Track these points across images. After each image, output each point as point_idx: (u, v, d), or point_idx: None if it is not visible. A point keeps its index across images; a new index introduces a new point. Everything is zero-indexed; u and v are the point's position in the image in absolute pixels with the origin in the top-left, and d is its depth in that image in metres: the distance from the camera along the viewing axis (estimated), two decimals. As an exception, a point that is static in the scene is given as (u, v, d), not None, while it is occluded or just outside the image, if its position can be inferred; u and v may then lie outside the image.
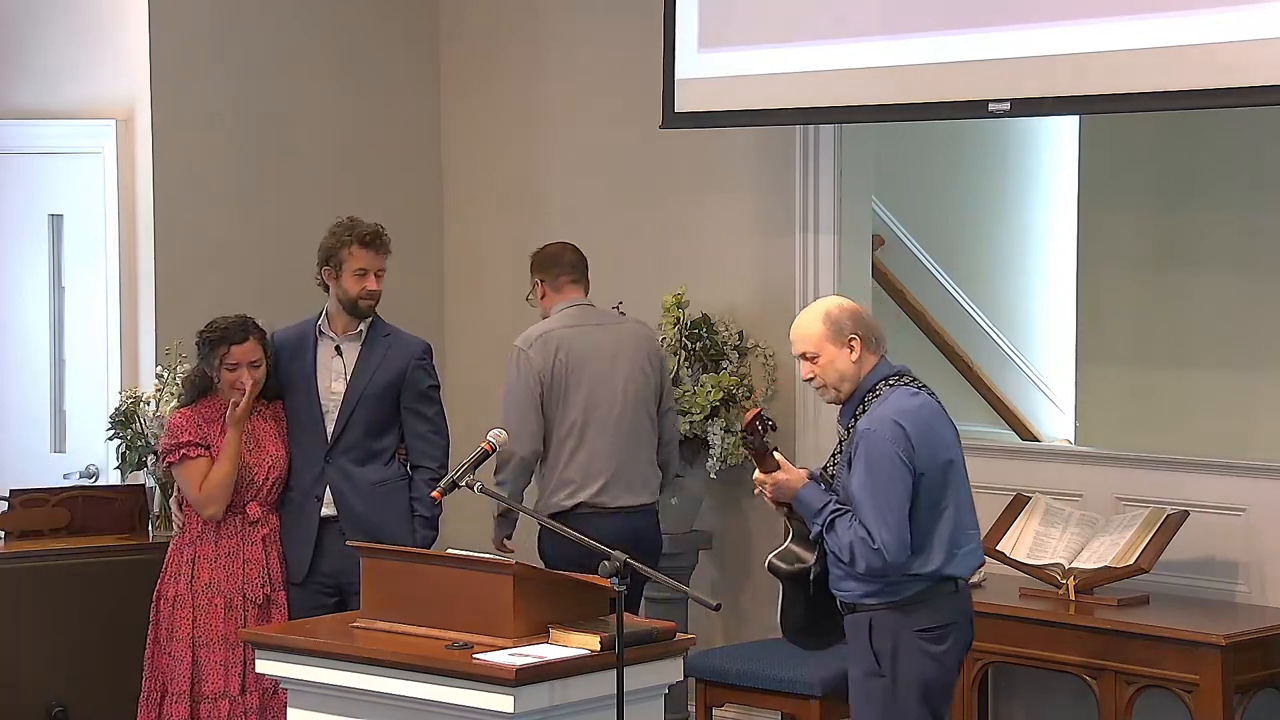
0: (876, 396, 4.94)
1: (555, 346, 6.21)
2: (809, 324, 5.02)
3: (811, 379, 5.02)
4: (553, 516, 5.96)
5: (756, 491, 5.08)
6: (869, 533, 4.83)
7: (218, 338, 5.93)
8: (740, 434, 5.06)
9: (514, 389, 6.19)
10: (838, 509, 4.92)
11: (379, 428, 6.01)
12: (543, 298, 6.37)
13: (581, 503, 6.19)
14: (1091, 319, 7.54)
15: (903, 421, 4.86)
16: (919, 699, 4.92)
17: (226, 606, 5.88)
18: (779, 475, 5.01)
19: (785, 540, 5.09)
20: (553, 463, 6.22)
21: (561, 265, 6.37)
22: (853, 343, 4.96)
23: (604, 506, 6.19)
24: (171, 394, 6.58)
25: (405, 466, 6.08)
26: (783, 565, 5.08)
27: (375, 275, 6.00)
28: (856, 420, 4.95)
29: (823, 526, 4.93)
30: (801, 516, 5.02)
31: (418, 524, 5.97)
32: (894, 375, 5.00)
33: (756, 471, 5.05)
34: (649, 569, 5.04)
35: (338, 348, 6.05)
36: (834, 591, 5.03)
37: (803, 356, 5.02)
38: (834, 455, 5.07)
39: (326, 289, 6.05)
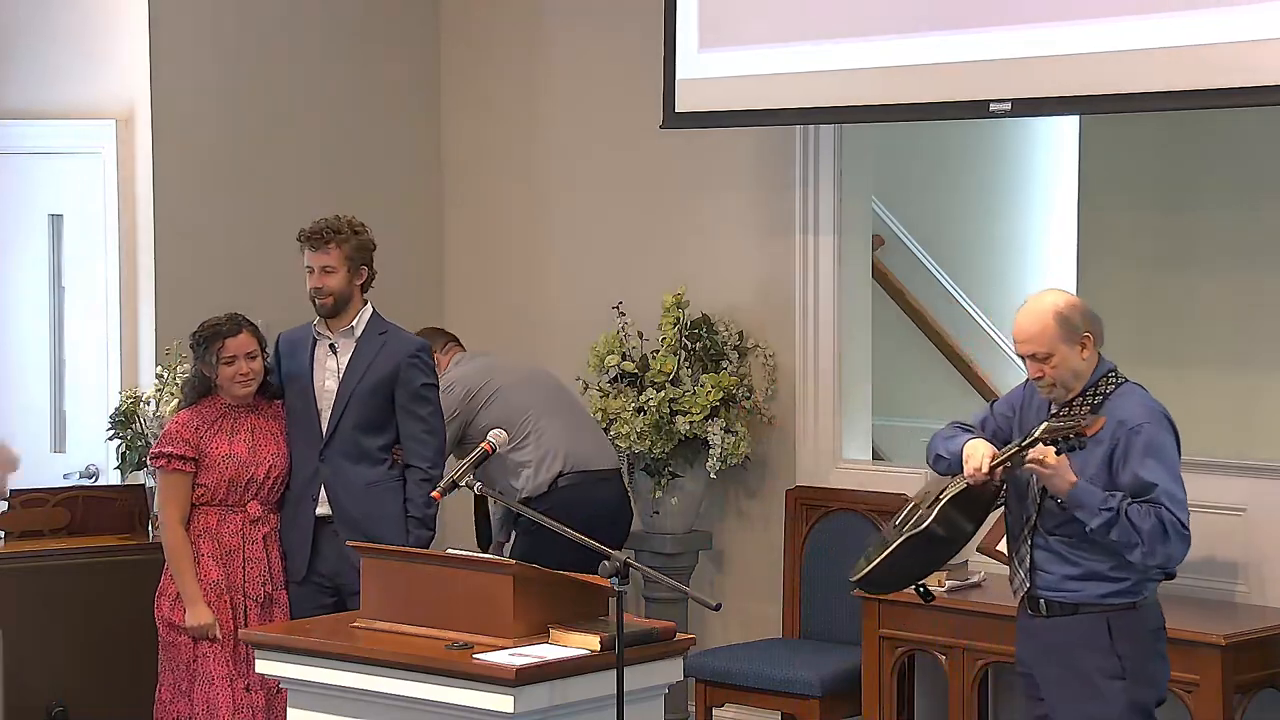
0: (1109, 392, 4.82)
1: (479, 371, 6.64)
2: (1039, 323, 4.80)
3: (1040, 379, 4.83)
4: (540, 494, 6.41)
5: (998, 469, 4.80)
6: (1179, 520, 4.68)
7: (211, 334, 5.95)
8: (1070, 413, 4.75)
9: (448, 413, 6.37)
10: (1127, 498, 4.72)
11: (372, 426, 6.00)
12: (446, 366, 6.68)
13: (562, 472, 6.49)
14: (1091, 319, 7.53)
15: (1169, 417, 4.82)
16: (1152, 702, 4.85)
17: (230, 605, 5.88)
18: (1062, 461, 4.73)
19: (935, 507, 4.86)
20: (522, 450, 6.50)
21: (444, 335, 6.83)
22: (1086, 340, 4.81)
23: (586, 469, 6.53)
24: (171, 394, 6.58)
25: (401, 467, 6.08)
26: (940, 531, 4.86)
27: (321, 272, 6.00)
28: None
29: (1116, 513, 4.68)
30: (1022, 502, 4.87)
31: (411, 525, 5.95)
32: (1113, 370, 4.88)
33: (1016, 452, 4.78)
34: (649, 569, 5.05)
35: (332, 346, 6.06)
36: (1045, 593, 4.87)
37: (1031, 357, 4.82)
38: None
39: None
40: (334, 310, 6.02)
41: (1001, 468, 4.82)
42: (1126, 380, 4.88)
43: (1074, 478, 4.72)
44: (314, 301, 6.05)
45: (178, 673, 5.88)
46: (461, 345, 6.91)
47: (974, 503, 4.91)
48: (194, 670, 5.87)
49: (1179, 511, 4.71)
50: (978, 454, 4.83)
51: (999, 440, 4.97)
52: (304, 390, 6.05)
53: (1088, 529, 4.73)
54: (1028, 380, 5.00)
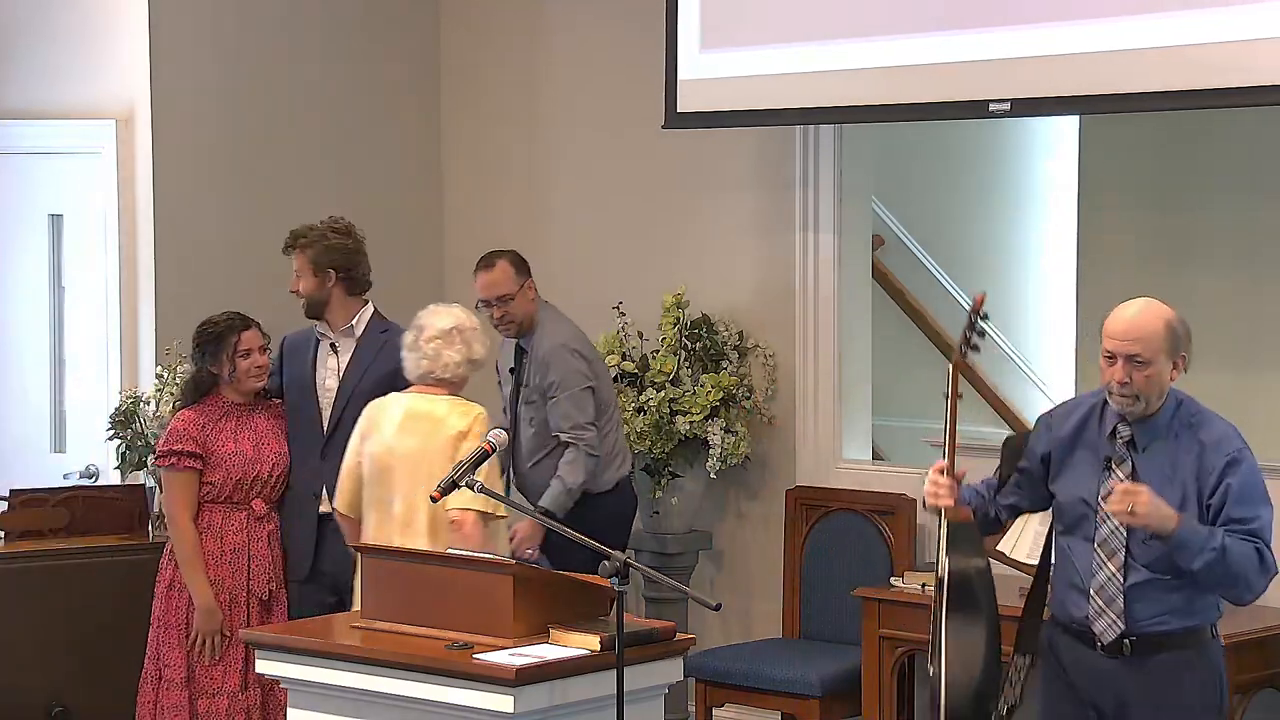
0: (1190, 415, 4.51)
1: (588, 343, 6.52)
2: (1151, 326, 4.45)
3: (1126, 384, 4.44)
4: (606, 491, 6.35)
5: (1117, 506, 4.38)
6: (1270, 551, 4.38)
7: (225, 328, 5.96)
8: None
9: (587, 387, 6.33)
10: (1225, 528, 4.38)
11: None
12: (533, 299, 6.42)
13: (631, 471, 6.58)
14: (1091, 319, 7.52)
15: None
16: None
17: (230, 604, 5.89)
18: (1151, 498, 4.33)
19: (940, 551, 4.61)
20: (607, 441, 6.41)
21: (525, 265, 6.48)
22: (1180, 360, 4.48)
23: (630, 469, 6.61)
24: (171, 394, 6.58)
25: None
26: (970, 571, 4.58)
27: (294, 275, 6.06)
28: (1136, 431, 4.50)
29: (1220, 552, 4.34)
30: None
31: None
32: (1185, 397, 4.56)
33: (1114, 495, 4.40)
34: (649, 569, 5.05)
35: (333, 345, 6.08)
36: (1138, 629, 4.48)
37: (1131, 359, 4.43)
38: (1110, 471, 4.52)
39: None
40: (311, 312, 6.10)
41: (952, 457, 4.54)
42: (1193, 400, 4.58)
43: (1174, 513, 4.36)
44: (304, 305, 6.13)
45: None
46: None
47: (962, 534, 4.61)
48: (160, 670, 5.90)
49: (1265, 536, 4.40)
50: (929, 479, 4.62)
51: (1030, 490, 4.70)
52: (305, 389, 6.08)
53: (1189, 569, 4.39)
54: (1035, 429, 4.74)
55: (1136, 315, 4.49)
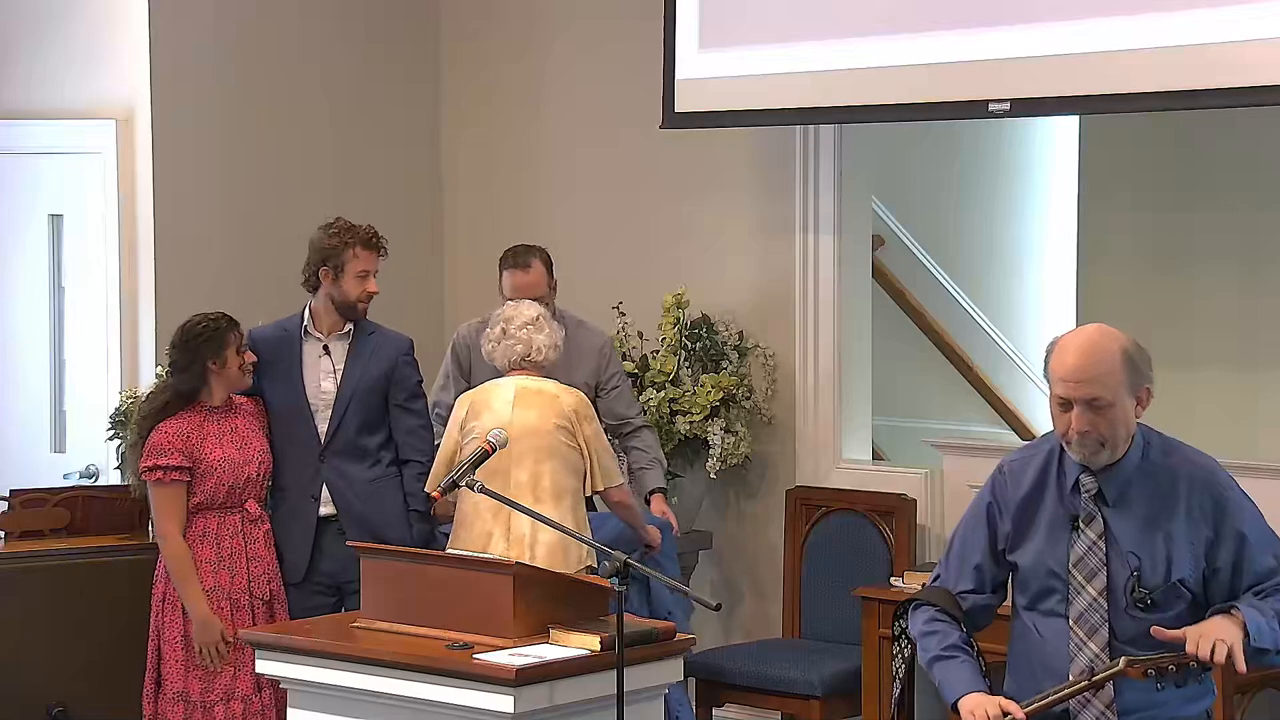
0: (1163, 454, 3.93)
1: None
2: (1106, 363, 3.81)
3: (1087, 434, 3.81)
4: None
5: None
6: None
7: (226, 324, 5.91)
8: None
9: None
10: (1255, 586, 3.86)
11: (370, 425, 6.02)
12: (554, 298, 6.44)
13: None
14: (1091, 319, 7.53)
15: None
16: None
17: (234, 608, 5.86)
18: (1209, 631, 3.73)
19: None
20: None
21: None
22: (1143, 394, 3.86)
23: None
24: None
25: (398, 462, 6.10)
26: None
27: (374, 277, 6.05)
28: (1102, 481, 3.89)
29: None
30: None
31: (412, 519, 6.00)
32: (1143, 428, 3.96)
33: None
34: (650, 569, 5.05)
35: (325, 347, 6.06)
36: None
37: (1089, 403, 3.80)
38: (1081, 535, 3.90)
39: (313, 289, 6.07)
40: (363, 313, 6.05)
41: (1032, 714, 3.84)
42: (1154, 430, 4.01)
43: (1236, 623, 3.76)
44: (355, 306, 6.02)
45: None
46: None
47: None
48: (159, 683, 5.89)
49: None
50: (982, 712, 3.90)
51: (986, 594, 4.11)
52: (295, 392, 6.04)
53: (1276, 649, 3.83)
54: (987, 503, 4.07)
55: (1087, 350, 3.84)
